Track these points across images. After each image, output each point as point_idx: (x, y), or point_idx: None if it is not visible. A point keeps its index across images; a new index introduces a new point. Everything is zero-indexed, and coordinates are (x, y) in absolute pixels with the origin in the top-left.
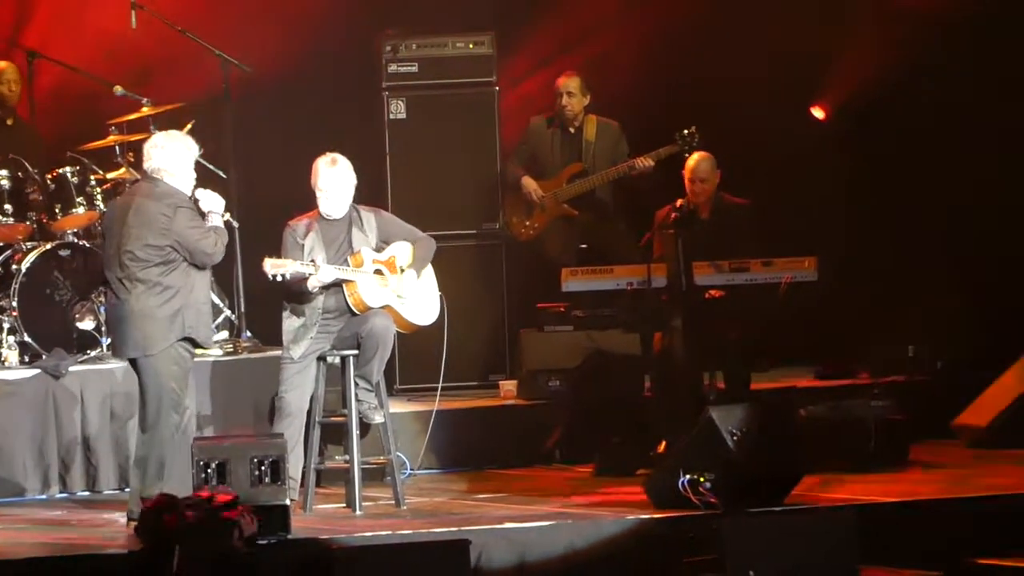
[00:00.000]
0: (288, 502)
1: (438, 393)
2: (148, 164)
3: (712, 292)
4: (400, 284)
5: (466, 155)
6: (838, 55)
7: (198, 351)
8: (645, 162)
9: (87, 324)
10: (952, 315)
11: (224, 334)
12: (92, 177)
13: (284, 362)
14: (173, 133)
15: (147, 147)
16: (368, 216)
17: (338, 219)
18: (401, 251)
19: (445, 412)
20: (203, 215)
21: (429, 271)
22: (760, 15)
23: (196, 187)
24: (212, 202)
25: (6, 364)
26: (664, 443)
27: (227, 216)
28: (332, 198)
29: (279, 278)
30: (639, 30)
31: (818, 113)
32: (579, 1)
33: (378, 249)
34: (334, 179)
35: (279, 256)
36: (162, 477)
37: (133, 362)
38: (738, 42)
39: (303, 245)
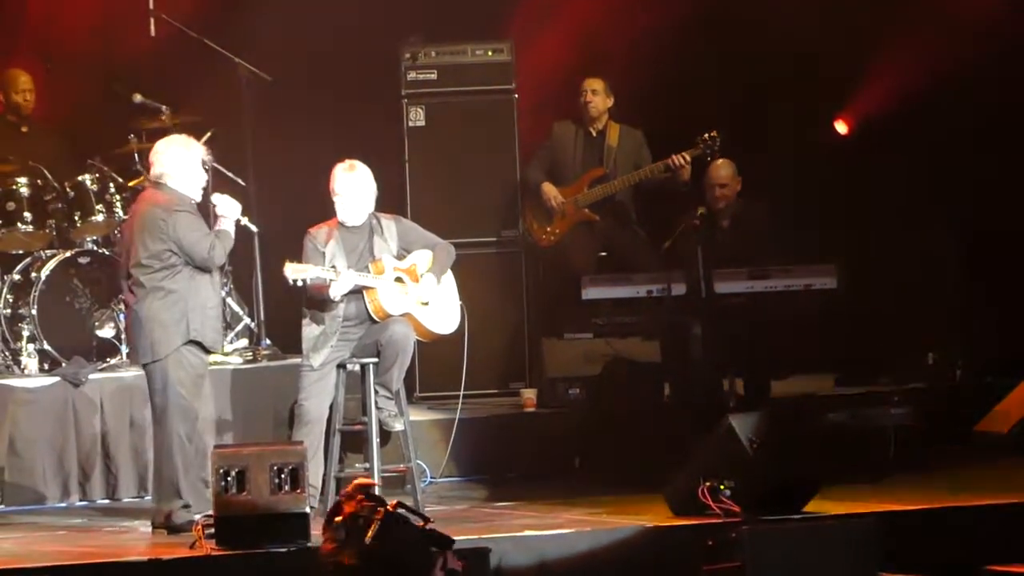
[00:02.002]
0: (308, 510)
1: (460, 401)
2: (152, 171)
3: (732, 299)
4: (421, 292)
5: (485, 162)
6: (867, 66)
7: (213, 358)
8: (680, 160)
9: (106, 332)
10: (972, 321)
11: (244, 342)
12: (111, 184)
13: (304, 370)
14: (174, 137)
15: (151, 154)
16: (388, 223)
17: (358, 226)
18: (422, 259)
19: (466, 420)
20: (216, 218)
21: (450, 279)
22: (784, 18)
23: (213, 191)
24: (227, 207)
25: (26, 372)
26: (684, 451)
27: (244, 220)
28: (350, 204)
29: (299, 283)
30: (658, 34)
31: (841, 127)
32: (596, 6)
33: (399, 257)
34: (352, 185)
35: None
36: (179, 492)
37: (145, 369)
38: (761, 46)
39: (323, 252)
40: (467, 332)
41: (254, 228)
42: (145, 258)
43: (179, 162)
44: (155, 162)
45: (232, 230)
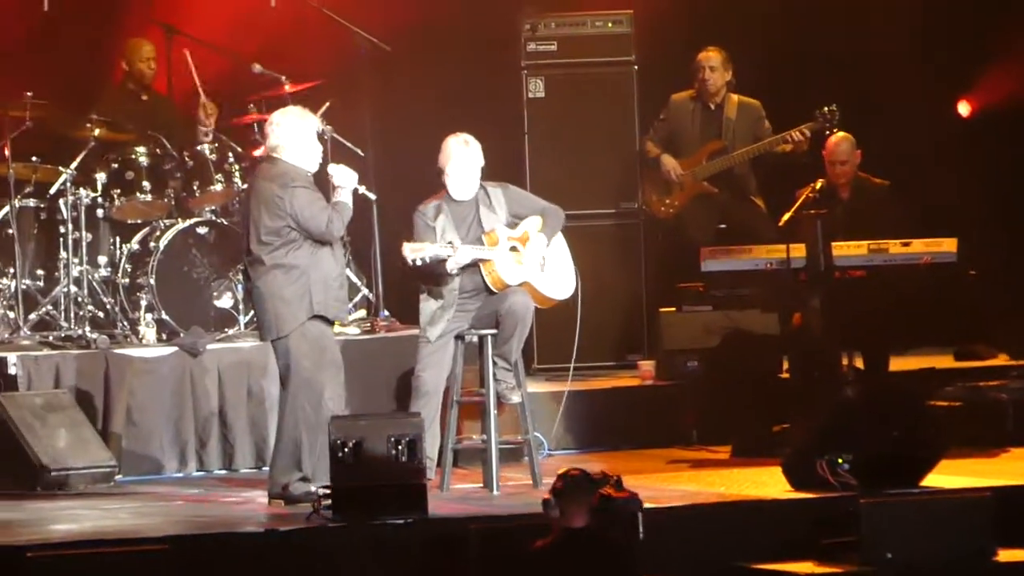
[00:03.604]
0: (425, 482)
1: (570, 372)
2: (268, 143)
3: (851, 272)
4: (535, 258)
5: (604, 134)
6: (999, 50)
7: (337, 329)
8: (799, 134)
9: (225, 302)
10: None
11: (362, 312)
12: (230, 154)
13: (421, 342)
14: (289, 109)
15: (266, 126)
16: (496, 192)
17: (467, 200)
18: (533, 225)
19: (582, 392)
20: (334, 189)
21: (562, 243)
22: None
23: (329, 162)
24: (344, 177)
25: (144, 342)
26: (802, 424)
27: (362, 189)
28: (462, 178)
29: (418, 262)
30: (778, 6)
31: (963, 108)
32: None
33: (510, 225)
34: (466, 160)
35: (413, 241)
36: (299, 464)
37: (272, 344)
38: (886, 17)
39: (434, 228)
40: (580, 300)
41: (372, 196)
42: (265, 235)
43: (294, 134)
44: (270, 134)
45: (350, 201)
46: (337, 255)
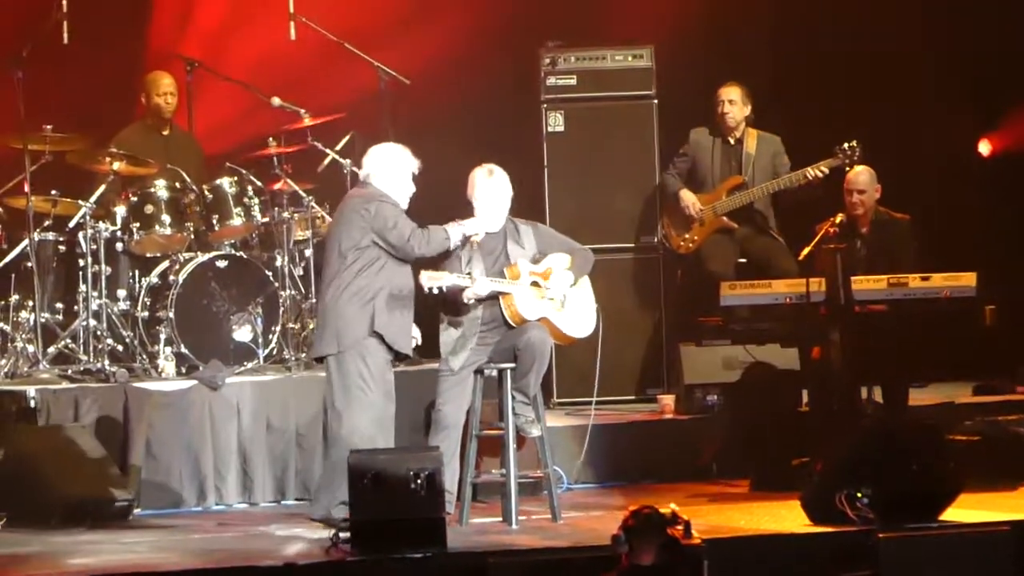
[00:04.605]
0: (444, 515)
1: (592, 407)
2: (361, 172)
3: (871, 307)
4: (557, 295)
5: (624, 168)
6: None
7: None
8: (817, 171)
9: (243, 335)
10: None
11: None
12: (250, 188)
13: (443, 374)
14: (388, 143)
15: (363, 159)
16: (526, 229)
17: (495, 231)
18: (558, 262)
19: (603, 426)
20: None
21: (586, 283)
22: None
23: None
24: (474, 222)
25: (163, 375)
26: (822, 458)
27: (478, 236)
28: (489, 209)
29: (435, 290)
30: (798, 42)
31: (984, 147)
32: (736, 14)
33: (534, 261)
34: (492, 190)
35: (435, 269)
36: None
37: (327, 360)
38: (909, 54)
39: (460, 257)
40: (601, 337)
41: None
42: (345, 248)
43: (387, 164)
44: (364, 163)
45: (453, 236)
46: (407, 284)
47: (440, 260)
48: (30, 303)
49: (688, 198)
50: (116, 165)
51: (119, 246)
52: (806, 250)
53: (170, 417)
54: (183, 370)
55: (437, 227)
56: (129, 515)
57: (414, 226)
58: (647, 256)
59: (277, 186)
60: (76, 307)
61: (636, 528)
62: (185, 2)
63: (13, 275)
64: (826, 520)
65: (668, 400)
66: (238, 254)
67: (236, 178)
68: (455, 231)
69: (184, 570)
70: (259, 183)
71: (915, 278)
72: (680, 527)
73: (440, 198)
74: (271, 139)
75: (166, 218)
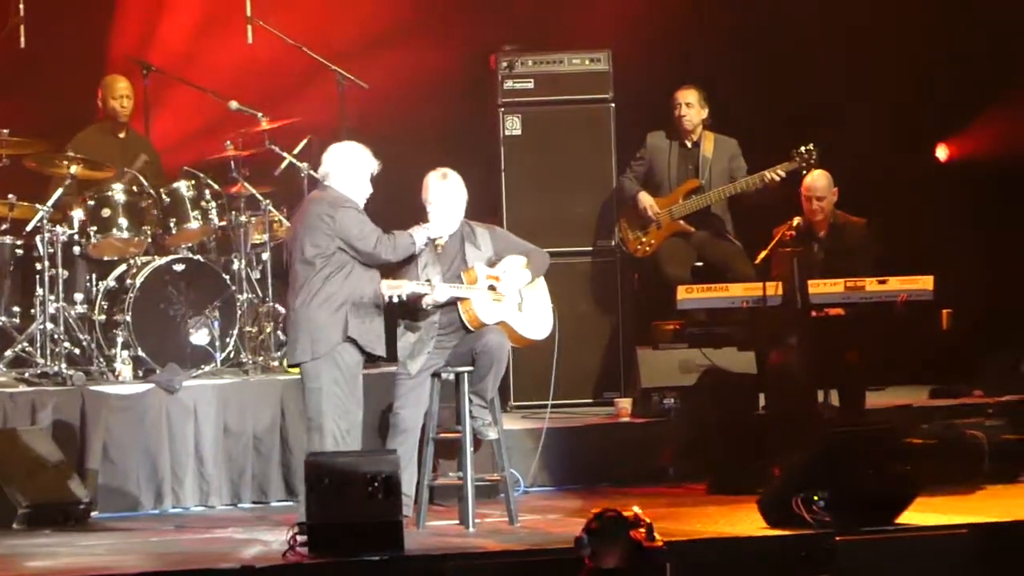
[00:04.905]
0: (401, 519)
1: (547, 411)
2: (319, 171)
3: (828, 310)
4: (513, 297)
5: (582, 172)
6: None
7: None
8: (774, 174)
9: (201, 339)
10: None
11: None
12: (207, 191)
13: (400, 378)
14: (348, 142)
15: (322, 156)
16: (483, 232)
17: (450, 234)
18: (513, 264)
19: (559, 429)
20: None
21: (542, 285)
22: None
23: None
24: (434, 226)
25: (120, 379)
26: (779, 461)
27: (441, 240)
28: (443, 213)
29: (395, 299)
30: (756, 47)
31: (941, 152)
32: (694, 19)
33: (491, 264)
34: (445, 194)
35: (394, 276)
36: None
37: (302, 367)
38: (862, 57)
39: (417, 262)
40: (558, 340)
41: None
42: (309, 255)
43: (346, 164)
44: (323, 161)
45: (417, 239)
46: (374, 288)
47: (398, 264)
48: None
49: (645, 200)
50: (73, 169)
51: (76, 249)
52: (763, 254)
53: (127, 420)
54: (140, 374)
55: (402, 232)
56: (87, 518)
57: (380, 232)
58: (604, 259)
59: (234, 189)
60: (33, 310)
61: (599, 531)
62: (146, 6)
63: None
64: (783, 524)
65: (625, 403)
66: (195, 258)
67: (193, 181)
68: (420, 235)
69: (142, 572)
70: (216, 186)
71: (872, 281)
72: (643, 530)
73: (397, 202)
74: (228, 142)
75: (123, 222)
